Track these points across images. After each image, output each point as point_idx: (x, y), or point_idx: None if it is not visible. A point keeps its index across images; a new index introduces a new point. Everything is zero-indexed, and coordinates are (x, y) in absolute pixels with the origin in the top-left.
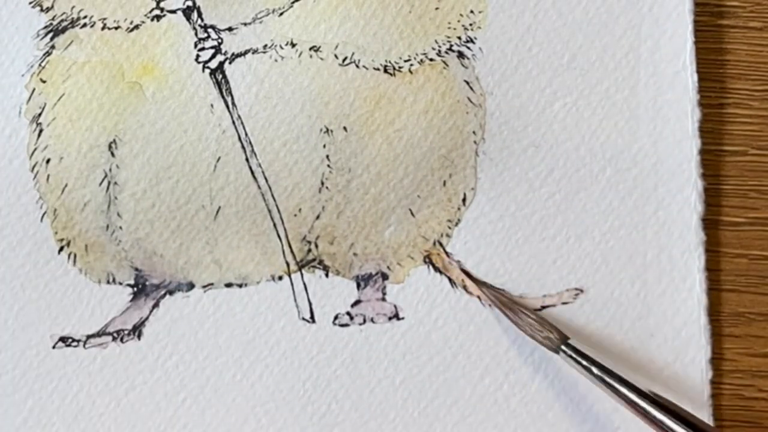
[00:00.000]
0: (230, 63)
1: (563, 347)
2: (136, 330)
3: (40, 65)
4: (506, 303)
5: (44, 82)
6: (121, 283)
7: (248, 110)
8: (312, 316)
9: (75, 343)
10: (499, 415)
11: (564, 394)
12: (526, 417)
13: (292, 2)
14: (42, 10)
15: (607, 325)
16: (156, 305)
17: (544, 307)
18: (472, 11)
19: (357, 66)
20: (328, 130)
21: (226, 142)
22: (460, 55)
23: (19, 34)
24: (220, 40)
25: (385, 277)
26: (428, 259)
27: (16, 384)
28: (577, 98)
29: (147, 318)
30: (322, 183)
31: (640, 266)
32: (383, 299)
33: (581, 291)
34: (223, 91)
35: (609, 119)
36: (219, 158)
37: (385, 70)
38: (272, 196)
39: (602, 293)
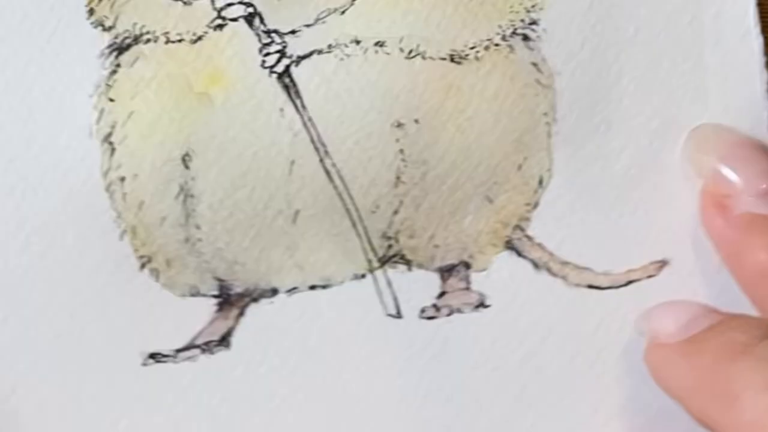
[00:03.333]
0: (296, 66)
1: None
2: (225, 340)
3: (107, 84)
4: None
5: (112, 100)
6: (205, 295)
7: (318, 111)
8: (398, 312)
9: (165, 359)
10: (591, 394)
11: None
12: (618, 397)
13: (353, 0)
14: (104, 29)
15: (694, 294)
16: (242, 313)
17: (629, 282)
18: None
19: (423, 58)
20: (399, 124)
21: (299, 145)
22: (525, 37)
23: (84, 54)
24: (284, 44)
25: (467, 266)
26: (510, 244)
27: (109, 405)
28: (645, 71)
29: (234, 327)
30: (398, 177)
31: None
32: (468, 288)
33: (665, 263)
34: (292, 94)
35: (678, 90)
36: (293, 161)
37: (452, 60)
38: (349, 194)
39: (687, 263)
